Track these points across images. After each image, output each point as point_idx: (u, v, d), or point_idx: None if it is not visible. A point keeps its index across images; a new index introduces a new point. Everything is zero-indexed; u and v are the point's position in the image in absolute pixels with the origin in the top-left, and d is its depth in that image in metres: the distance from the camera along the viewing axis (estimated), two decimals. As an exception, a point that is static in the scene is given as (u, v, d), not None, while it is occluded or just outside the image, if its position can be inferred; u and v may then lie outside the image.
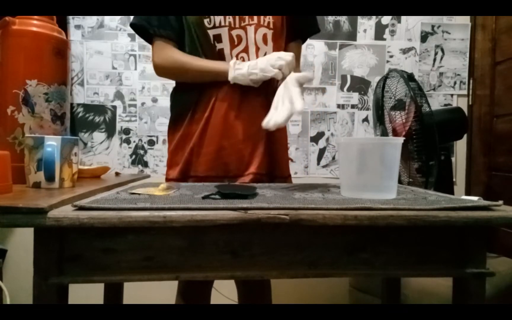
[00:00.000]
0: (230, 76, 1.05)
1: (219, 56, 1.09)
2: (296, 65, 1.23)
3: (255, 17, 1.09)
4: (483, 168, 2.01)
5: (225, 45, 1.08)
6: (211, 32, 1.08)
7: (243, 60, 1.09)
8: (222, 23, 1.07)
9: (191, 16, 1.08)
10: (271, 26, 1.11)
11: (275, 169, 1.15)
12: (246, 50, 1.09)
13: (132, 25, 1.14)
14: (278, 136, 1.15)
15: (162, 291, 1.53)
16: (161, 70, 1.14)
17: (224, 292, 1.67)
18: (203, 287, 1.17)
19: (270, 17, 1.11)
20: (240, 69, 1.04)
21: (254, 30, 1.09)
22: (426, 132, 1.22)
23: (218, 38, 1.08)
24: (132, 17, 1.15)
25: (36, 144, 0.80)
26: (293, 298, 1.94)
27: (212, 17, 1.07)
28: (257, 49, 1.10)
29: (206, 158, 1.09)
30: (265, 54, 1.11)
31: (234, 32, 1.08)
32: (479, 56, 2.04)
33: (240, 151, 1.09)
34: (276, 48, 1.13)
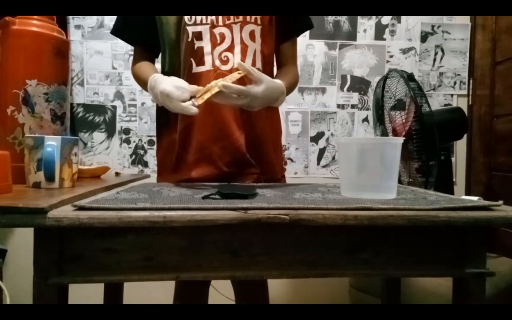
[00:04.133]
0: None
1: (198, 54, 1.04)
2: (292, 63, 1.19)
3: (241, 15, 1.05)
4: (483, 168, 2.01)
5: (205, 43, 1.04)
6: (190, 29, 1.04)
7: (227, 60, 1.04)
8: (204, 21, 1.03)
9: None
10: (259, 21, 1.06)
11: (268, 169, 1.12)
12: (230, 49, 1.04)
13: (112, 33, 1.18)
14: (268, 136, 1.13)
15: (162, 291, 1.53)
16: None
17: (223, 291, 1.67)
18: (200, 288, 1.17)
19: None
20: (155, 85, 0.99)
21: (239, 28, 1.04)
22: (426, 132, 1.22)
23: (198, 36, 1.04)
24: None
25: (36, 144, 0.80)
26: (293, 298, 1.94)
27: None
28: (245, 47, 1.05)
29: (198, 165, 1.06)
30: (254, 52, 1.06)
31: (217, 30, 1.04)
32: (479, 56, 2.04)
33: (233, 154, 1.06)
34: (264, 45, 1.08)
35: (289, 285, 1.94)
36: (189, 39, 1.04)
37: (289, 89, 1.10)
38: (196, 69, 1.05)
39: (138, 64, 1.14)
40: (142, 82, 1.09)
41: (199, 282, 1.14)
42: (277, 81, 1.02)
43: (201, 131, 1.05)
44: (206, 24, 1.04)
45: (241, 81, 0.95)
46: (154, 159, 1.97)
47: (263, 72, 1.07)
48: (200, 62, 1.05)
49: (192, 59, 1.05)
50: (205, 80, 1.01)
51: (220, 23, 1.04)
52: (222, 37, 1.04)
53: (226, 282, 1.21)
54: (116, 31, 1.16)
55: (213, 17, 1.04)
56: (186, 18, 1.04)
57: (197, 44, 1.04)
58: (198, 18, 1.04)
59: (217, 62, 1.04)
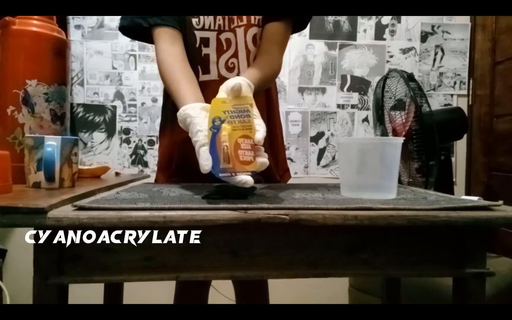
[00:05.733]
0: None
1: (204, 61, 1.01)
2: (275, 50, 1.00)
3: (244, 17, 1.00)
4: (483, 168, 2.01)
5: (211, 50, 1.00)
6: (198, 34, 0.99)
7: (233, 67, 1.01)
8: (212, 27, 0.99)
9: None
10: (261, 23, 1.01)
11: (268, 173, 1.08)
12: (235, 55, 1.01)
13: (122, 28, 1.02)
14: (269, 143, 1.09)
15: (162, 291, 1.53)
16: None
17: (224, 291, 1.67)
18: (200, 289, 1.17)
19: None
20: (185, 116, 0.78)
21: (243, 32, 1.00)
22: (426, 132, 1.22)
23: (205, 42, 1.00)
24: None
25: (36, 144, 0.80)
26: (293, 298, 1.94)
27: (201, 17, 0.98)
28: (248, 52, 1.01)
29: (199, 175, 1.04)
30: (255, 57, 1.01)
31: (223, 36, 1.00)
32: (479, 56, 2.04)
33: None
34: None
35: (289, 285, 1.94)
36: (197, 45, 1.00)
37: (260, 87, 0.91)
38: (202, 77, 1.02)
39: (170, 60, 0.94)
40: (172, 95, 0.91)
41: (199, 283, 1.14)
42: (251, 86, 0.80)
43: None
44: (214, 30, 1.00)
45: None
46: (154, 159, 1.97)
47: None
48: (206, 70, 1.02)
49: (199, 66, 1.02)
50: (209, 90, 0.95)
51: (227, 28, 1.00)
52: (228, 42, 1.01)
53: (226, 282, 1.21)
54: (128, 22, 1.00)
55: (220, 22, 1.00)
56: (194, 21, 0.99)
57: (204, 51, 1.01)
58: (207, 23, 0.99)
59: (223, 71, 1.01)
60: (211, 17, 0.99)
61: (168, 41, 0.96)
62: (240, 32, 1.00)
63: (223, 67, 1.02)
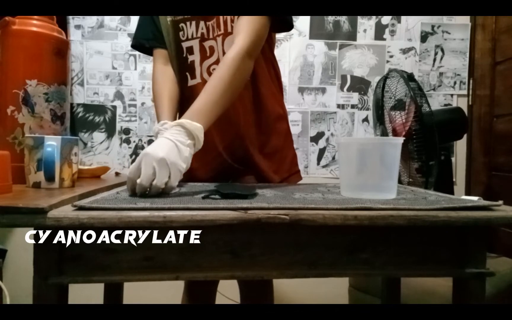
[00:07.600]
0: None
1: (191, 68, 1.06)
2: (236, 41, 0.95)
3: (222, 27, 1.02)
4: (483, 168, 2.01)
5: (196, 56, 1.06)
6: (184, 45, 1.06)
7: None
8: (195, 35, 1.05)
9: (168, 29, 1.07)
10: None
11: (263, 176, 1.10)
12: (217, 62, 1.04)
13: (132, 47, 1.17)
14: (259, 144, 1.10)
15: (162, 291, 1.53)
16: None
17: (227, 293, 1.67)
18: (208, 287, 1.17)
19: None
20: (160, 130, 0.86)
21: (222, 40, 1.04)
22: (426, 132, 1.22)
23: (190, 50, 1.06)
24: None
25: (36, 144, 0.80)
26: (293, 298, 1.94)
27: (185, 29, 1.05)
28: None
29: (195, 173, 1.05)
30: None
31: (207, 43, 1.05)
32: (479, 56, 2.04)
33: (222, 164, 1.06)
34: None
35: (289, 285, 1.94)
36: (184, 55, 1.07)
37: (214, 100, 0.89)
38: (191, 82, 1.07)
39: (160, 79, 1.09)
40: (155, 109, 1.08)
41: (206, 286, 1.15)
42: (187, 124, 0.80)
43: None
44: (197, 37, 1.05)
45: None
46: (154, 159, 1.97)
47: (251, 80, 1.05)
48: (193, 75, 1.07)
49: (187, 73, 1.07)
50: (197, 93, 0.95)
51: (211, 36, 1.04)
52: (212, 50, 1.05)
53: (229, 284, 1.21)
54: (136, 42, 1.15)
55: (204, 30, 1.04)
56: (180, 34, 1.06)
57: (190, 58, 1.07)
58: (190, 33, 1.05)
59: (205, 75, 1.05)
60: (193, 27, 1.05)
61: (162, 61, 1.11)
62: (219, 41, 1.04)
63: (205, 71, 1.06)
